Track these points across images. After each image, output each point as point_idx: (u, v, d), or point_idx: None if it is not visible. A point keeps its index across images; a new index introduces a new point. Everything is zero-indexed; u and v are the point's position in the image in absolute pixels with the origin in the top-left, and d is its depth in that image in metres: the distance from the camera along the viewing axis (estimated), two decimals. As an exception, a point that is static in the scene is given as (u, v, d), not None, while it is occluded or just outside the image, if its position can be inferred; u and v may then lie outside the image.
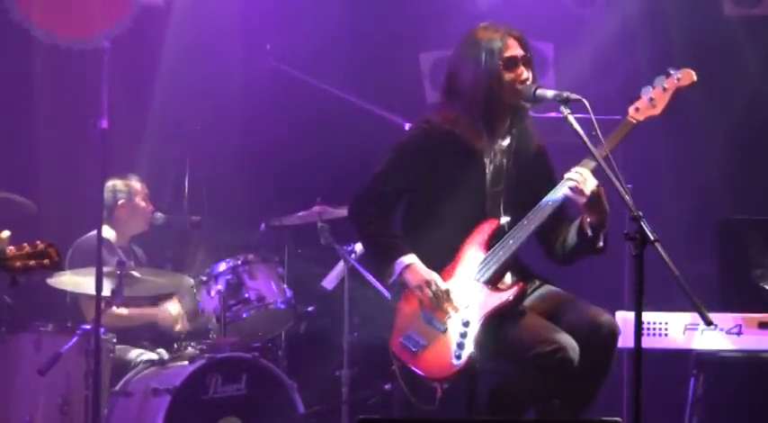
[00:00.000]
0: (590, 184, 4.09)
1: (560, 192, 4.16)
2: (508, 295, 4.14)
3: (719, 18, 7.13)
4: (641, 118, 4.20)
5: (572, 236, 4.23)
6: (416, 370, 4.15)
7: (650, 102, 4.21)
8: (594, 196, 4.08)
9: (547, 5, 7.19)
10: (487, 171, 4.32)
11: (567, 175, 4.14)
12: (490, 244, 4.23)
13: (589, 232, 4.15)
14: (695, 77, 4.22)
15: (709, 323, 3.70)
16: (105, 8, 7.30)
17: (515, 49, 4.31)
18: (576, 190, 4.09)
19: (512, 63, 4.29)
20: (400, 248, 4.27)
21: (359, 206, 4.41)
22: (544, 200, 4.18)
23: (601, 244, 4.19)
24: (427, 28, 7.48)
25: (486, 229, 4.26)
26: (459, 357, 4.08)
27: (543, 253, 4.40)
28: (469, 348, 4.07)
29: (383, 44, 7.42)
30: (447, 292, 4.18)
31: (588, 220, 4.14)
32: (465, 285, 4.19)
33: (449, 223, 4.29)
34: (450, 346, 4.10)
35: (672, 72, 4.23)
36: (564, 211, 4.24)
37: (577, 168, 4.13)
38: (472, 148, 4.31)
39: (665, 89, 4.21)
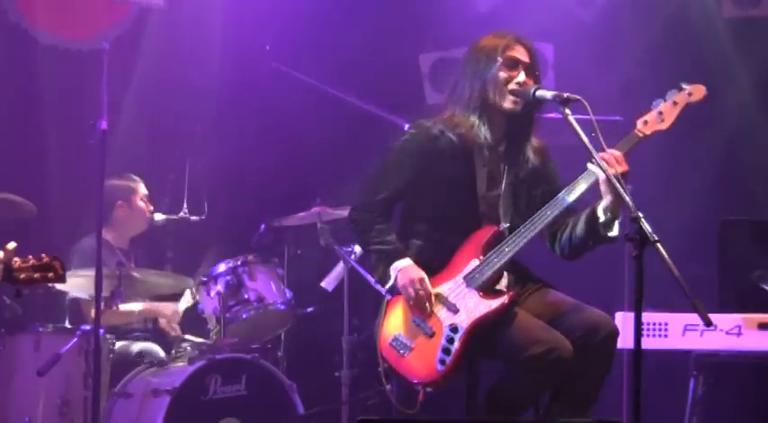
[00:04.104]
0: (619, 167, 4.01)
1: (581, 187, 4.13)
2: (498, 304, 4.13)
3: (719, 19, 7.13)
4: (648, 132, 4.17)
5: (580, 227, 4.19)
6: (402, 372, 4.17)
7: (659, 116, 4.17)
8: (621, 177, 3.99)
9: (547, 7, 7.19)
10: (480, 174, 4.30)
11: (592, 162, 4.05)
12: (486, 250, 4.22)
13: (602, 217, 4.08)
14: (705, 93, 4.21)
15: (708, 324, 3.70)
16: (105, 9, 7.29)
17: (520, 53, 4.32)
18: (609, 163, 3.99)
19: (511, 63, 4.29)
20: (396, 254, 4.28)
21: (356, 215, 4.43)
22: (552, 201, 4.16)
23: (614, 232, 4.11)
24: (427, 29, 7.48)
25: (483, 236, 4.25)
26: (443, 363, 4.08)
27: (548, 247, 4.36)
28: (455, 355, 4.07)
29: (383, 45, 7.42)
30: (433, 294, 4.18)
31: (606, 203, 4.08)
32: (457, 291, 4.19)
33: (444, 227, 4.30)
34: (436, 351, 4.10)
35: (684, 87, 4.22)
36: (569, 208, 4.19)
37: (612, 150, 4.04)
38: (463, 151, 4.30)
39: (675, 103, 4.19)
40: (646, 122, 4.19)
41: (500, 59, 4.28)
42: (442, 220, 4.31)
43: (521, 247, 4.17)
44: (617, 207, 4.08)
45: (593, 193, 4.17)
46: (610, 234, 4.14)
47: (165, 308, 6.34)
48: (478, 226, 4.28)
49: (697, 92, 4.21)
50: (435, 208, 4.32)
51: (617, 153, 4.06)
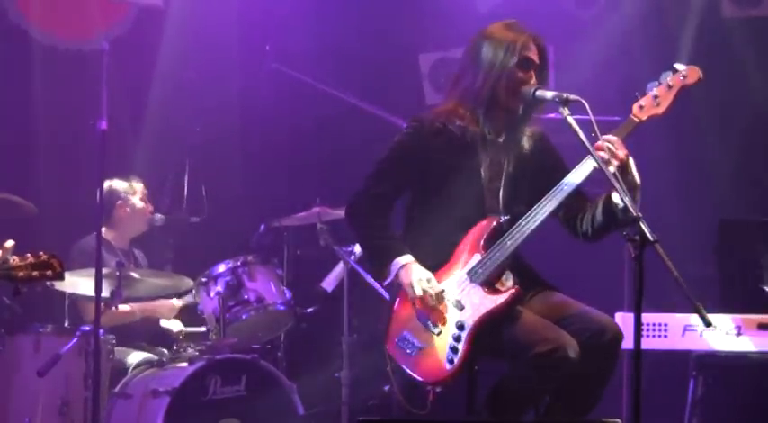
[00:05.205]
0: (620, 152, 4.00)
1: (580, 175, 4.09)
2: (503, 299, 4.10)
3: (719, 19, 7.13)
4: (644, 117, 4.13)
5: (599, 213, 4.16)
6: (410, 372, 4.14)
7: (654, 100, 4.13)
8: (625, 165, 3.99)
9: (547, 7, 7.19)
10: (483, 165, 4.28)
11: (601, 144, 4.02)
12: (488, 244, 4.19)
13: (621, 203, 4.01)
14: (701, 75, 4.18)
15: (708, 324, 3.69)
16: (104, 9, 7.29)
17: (533, 54, 4.29)
18: (609, 152, 3.97)
19: (526, 64, 4.26)
20: (396, 249, 4.24)
21: (355, 208, 4.41)
22: (555, 188, 4.12)
23: (636, 212, 3.92)
24: (427, 29, 7.49)
25: (483, 229, 4.22)
26: (451, 361, 4.06)
27: (566, 232, 4.32)
28: (463, 352, 4.06)
29: (383, 45, 7.43)
30: (440, 292, 4.15)
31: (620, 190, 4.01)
32: (461, 287, 4.17)
33: (449, 220, 4.27)
34: (444, 350, 4.08)
35: (678, 68, 4.19)
36: (582, 188, 4.16)
37: (607, 136, 4.03)
38: (465, 143, 4.28)
39: (669, 87, 4.15)
40: (641, 107, 4.14)
41: (516, 59, 4.25)
42: (446, 214, 4.28)
43: (523, 240, 4.13)
44: (635, 185, 4.05)
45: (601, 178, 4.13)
46: (632, 215, 4.05)
47: (162, 306, 6.34)
48: (482, 219, 4.25)
49: (692, 74, 4.17)
50: (439, 202, 4.30)
51: (614, 138, 4.04)
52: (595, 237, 4.27)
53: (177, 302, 6.40)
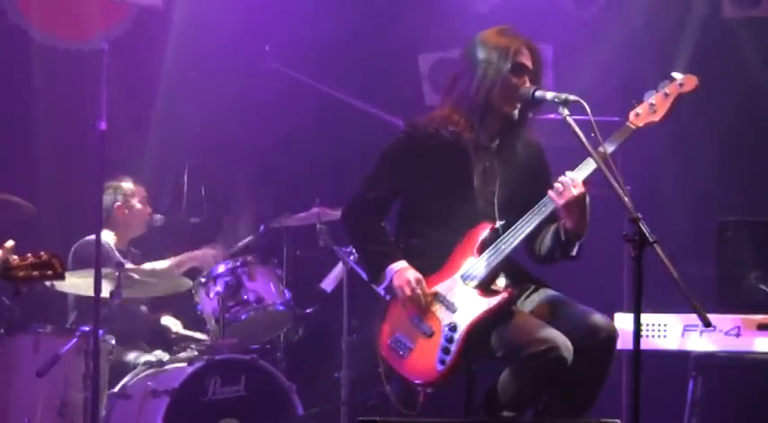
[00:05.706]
0: (574, 190, 4.05)
1: (579, 176, 4.10)
2: (496, 301, 4.12)
3: (718, 19, 7.13)
4: (641, 124, 4.17)
5: (549, 237, 4.22)
6: (402, 373, 4.17)
7: (651, 107, 4.17)
8: (574, 204, 4.05)
9: (546, 7, 7.19)
10: (476, 170, 4.30)
11: (559, 179, 4.12)
12: (483, 248, 4.21)
13: (562, 237, 4.13)
14: (697, 83, 4.20)
15: (707, 325, 3.69)
16: (104, 10, 7.30)
17: (526, 59, 4.30)
18: (558, 192, 4.06)
19: (519, 69, 4.27)
20: (391, 255, 4.28)
21: (351, 213, 4.44)
22: (540, 203, 4.16)
23: (574, 252, 4.16)
24: (427, 29, 7.48)
25: (479, 233, 4.24)
26: (443, 362, 4.08)
27: (525, 250, 4.37)
28: (455, 354, 4.07)
29: (382, 45, 7.42)
30: (431, 294, 4.17)
31: (565, 225, 4.12)
32: (455, 289, 4.19)
33: (443, 224, 4.29)
34: (436, 351, 4.10)
35: (675, 77, 4.21)
36: (554, 212, 4.20)
37: (571, 173, 4.09)
38: (458, 149, 4.29)
39: (666, 95, 4.18)
40: (638, 115, 4.18)
41: (510, 64, 4.26)
42: (439, 218, 4.30)
43: (517, 245, 4.16)
44: (578, 229, 4.11)
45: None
46: (570, 253, 4.18)
47: (205, 255, 6.36)
48: (476, 223, 4.27)
49: (689, 82, 4.20)
50: (432, 206, 4.32)
51: (574, 176, 4.06)
52: (541, 261, 4.33)
53: (214, 251, 6.41)
